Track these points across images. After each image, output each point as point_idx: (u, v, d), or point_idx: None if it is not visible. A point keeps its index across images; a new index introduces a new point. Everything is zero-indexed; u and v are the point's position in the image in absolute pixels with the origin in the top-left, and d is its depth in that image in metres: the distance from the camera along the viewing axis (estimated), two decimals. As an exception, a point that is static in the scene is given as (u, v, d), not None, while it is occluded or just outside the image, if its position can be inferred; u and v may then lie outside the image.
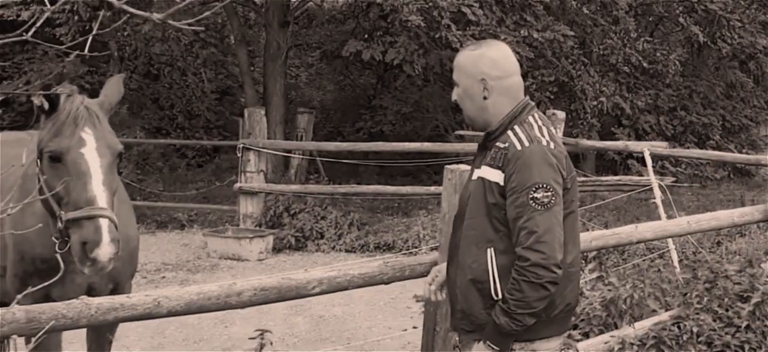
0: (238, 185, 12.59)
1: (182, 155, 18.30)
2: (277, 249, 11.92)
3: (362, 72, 20.28)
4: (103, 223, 3.60)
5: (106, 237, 3.58)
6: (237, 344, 7.75)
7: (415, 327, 7.71)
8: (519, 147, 3.31)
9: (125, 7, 2.24)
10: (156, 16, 2.21)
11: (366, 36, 15.73)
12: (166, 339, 7.88)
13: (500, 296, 3.31)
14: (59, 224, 3.71)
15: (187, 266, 11.23)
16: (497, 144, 3.38)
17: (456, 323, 3.53)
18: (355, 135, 19.34)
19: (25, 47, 14.65)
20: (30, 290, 2.74)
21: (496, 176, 3.33)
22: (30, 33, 3.01)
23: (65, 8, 12.15)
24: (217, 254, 11.65)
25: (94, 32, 2.81)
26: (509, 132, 3.38)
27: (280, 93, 15.92)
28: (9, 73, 13.22)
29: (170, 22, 2.19)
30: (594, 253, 6.78)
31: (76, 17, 12.07)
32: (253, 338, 5.25)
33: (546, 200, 3.23)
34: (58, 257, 3.87)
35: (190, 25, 2.31)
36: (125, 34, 15.02)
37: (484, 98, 3.44)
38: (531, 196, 3.22)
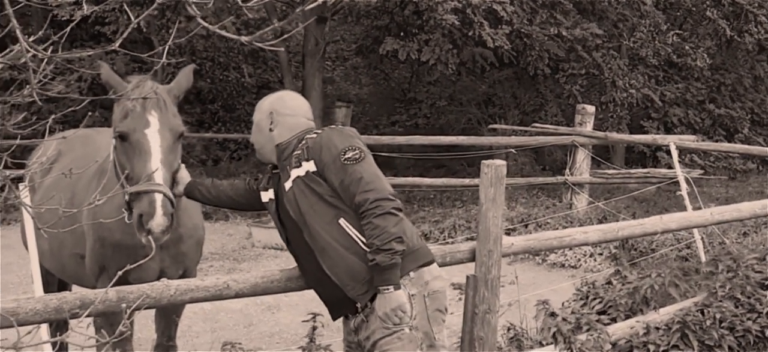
0: (280, 177, 12.87)
1: (223, 148, 18.64)
2: (318, 239, 12.21)
3: (396, 66, 20.52)
4: (158, 197, 3.93)
5: (159, 210, 3.91)
6: (284, 329, 8.13)
7: (452, 312, 8.03)
8: (315, 136, 3.80)
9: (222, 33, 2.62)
10: (244, 38, 2.55)
11: (401, 33, 16.03)
12: (217, 324, 8.25)
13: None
14: (125, 198, 4.07)
15: (232, 255, 11.48)
16: (293, 154, 3.82)
17: (355, 296, 3.82)
18: (390, 128, 19.54)
19: (74, 44, 15.11)
20: (120, 273, 3.04)
21: (307, 166, 3.75)
22: (117, 43, 3.39)
23: (114, 7, 12.61)
24: (261, 244, 11.89)
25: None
26: (301, 143, 3.83)
27: (318, 88, 16.30)
28: (61, 70, 13.63)
29: (274, 46, 2.51)
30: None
31: (124, 16, 12.57)
32: (307, 321, 5.61)
33: (356, 155, 3.69)
34: (135, 239, 4.21)
35: (271, 46, 2.67)
36: (170, 31, 15.43)
37: (270, 130, 3.95)
38: (343, 159, 3.68)
